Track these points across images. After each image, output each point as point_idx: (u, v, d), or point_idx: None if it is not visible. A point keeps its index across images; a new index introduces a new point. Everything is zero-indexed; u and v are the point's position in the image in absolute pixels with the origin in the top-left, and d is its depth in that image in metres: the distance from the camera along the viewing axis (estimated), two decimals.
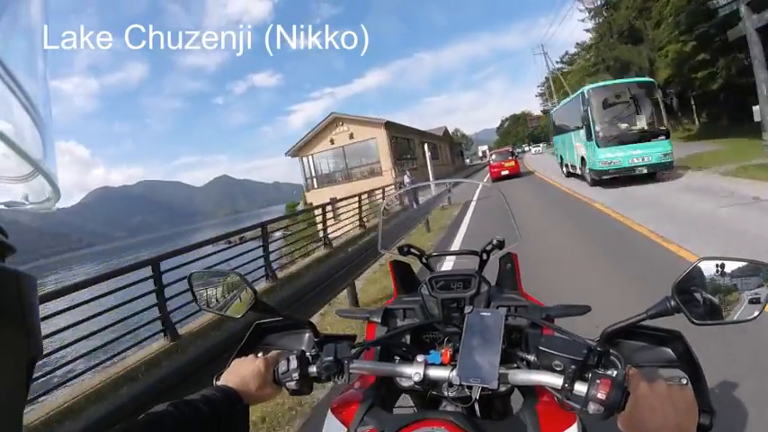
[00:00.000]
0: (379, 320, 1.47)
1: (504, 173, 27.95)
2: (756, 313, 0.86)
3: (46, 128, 0.45)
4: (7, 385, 0.41)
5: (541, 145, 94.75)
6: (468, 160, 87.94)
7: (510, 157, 29.02)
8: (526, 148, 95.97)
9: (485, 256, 1.59)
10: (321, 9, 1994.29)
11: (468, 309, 1.19)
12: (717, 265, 0.88)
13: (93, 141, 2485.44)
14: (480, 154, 40.20)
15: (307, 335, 1.36)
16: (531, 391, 1.11)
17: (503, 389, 1.08)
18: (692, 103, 34.38)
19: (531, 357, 1.06)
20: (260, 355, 1.18)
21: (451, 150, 61.95)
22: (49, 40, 0.49)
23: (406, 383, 1.23)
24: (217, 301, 1.24)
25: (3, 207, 0.45)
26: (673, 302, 0.88)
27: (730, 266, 0.87)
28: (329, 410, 1.19)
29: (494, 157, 30.51)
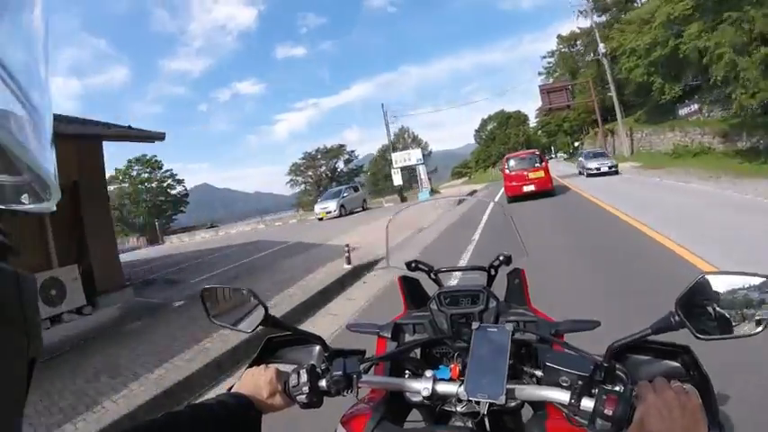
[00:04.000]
0: (389, 335, 1.47)
1: (528, 188, 18.75)
2: (761, 328, 0.88)
3: (46, 128, 0.46)
4: (8, 385, 0.41)
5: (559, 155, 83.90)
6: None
7: (537, 164, 19.17)
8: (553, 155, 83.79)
9: (493, 272, 1.62)
10: (307, 19, 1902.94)
11: (475, 324, 1.20)
12: (720, 280, 0.91)
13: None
14: (423, 180, 33.30)
15: (317, 349, 1.35)
16: (540, 407, 1.11)
17: (511, 404, 1.06)
18: None
19: (539, 373, 1.08)
20: (271, 366, 1.19)
21: None
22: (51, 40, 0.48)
23: (415, 398, 1.22)
24: (228, 315, 1.27)
25: (2, 207, 0.45)
26: (677, 318, 0.91)
27: (733, 281, 0.90)
28: (339, 424, 1.20)
29: (511, 163, 20.17)
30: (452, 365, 1.17)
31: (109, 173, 56.94)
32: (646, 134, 38.07)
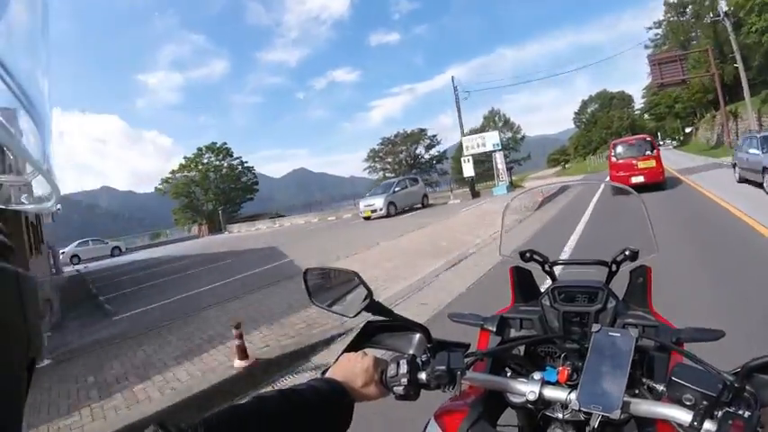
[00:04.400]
0: (494, 329, 1.41)
1: (637, 179, 16.30)
2: None
3: (46, 128, 0.46)
4: (8, 386, 0.41)
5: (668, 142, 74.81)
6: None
7: (648, 152, 16.96)
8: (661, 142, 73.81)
9: (614, 268, 1.48)
10: (400, 4, 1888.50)
11: (595, 327, 1.12)
12: None
13: (175, 132, 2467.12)
14: (500, 170, 29.04)
15: (417, 338, 1.26)
16: (650, 424, 1.02)
17: (622, 418, 0.97)
18: None
19: (659, 387, 1.01)
20: (369, 354, 1.16)
21: None
22: (49, 38, 0.49)
23: (517, 400, 1.14)
24: (331, 298, 1.26)
25: (2, 207, 0.46)
26: None
27: None
28: (432, 418, 1.19)
29: (618, 150, 17.86)
30: (561, 368, 1.09)
31: (180, 161, 56.08)
32: None
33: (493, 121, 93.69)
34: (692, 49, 43.10)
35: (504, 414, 1.24)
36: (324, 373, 1.13)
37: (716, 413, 0.86)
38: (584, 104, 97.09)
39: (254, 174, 64.18)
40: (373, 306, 1.16)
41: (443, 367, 1.08)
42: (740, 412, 0.84)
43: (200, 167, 58.63)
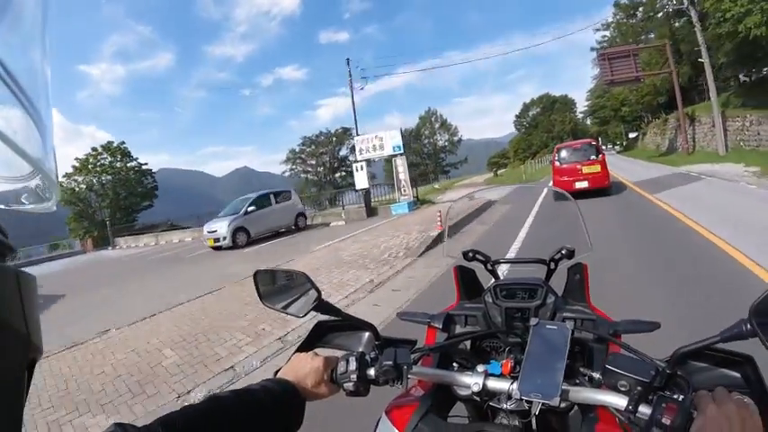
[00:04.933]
0: (440, 326, 1.46)
1: (581, 185, 15.61)
2: None
3: (46, 128, 0.46)
4: (8, 386, 0.42)
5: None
6: None
7: (593, 157, 16.05)
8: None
9: (552, 266, 1.54)
10: (351, 3, 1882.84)
11: (533, 320, 1.17)
12: None
13: (115, 127, 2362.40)
14: (402, 182, 21.88)
15: (366, 336, 1.31)
16: (591, 410, 1.08)
17: (561, 405, 1.02)
18: None
19: (596, 375, 1.07)
20: (319, 353, 1.20)
21: None
22: (50, 37, 0.48)
23: (463, 392, 1.21)
24: (280, 298, 1.26)
25: (3, 207, 0.46)
26: (749, 326, 0.86)
27: None
28: (383, 413, 1.20)
29: (563, 154, 16.94)
30: (504, 361, 1.12)
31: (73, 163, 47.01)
32: (751, 122, 25.06)
33: (429, 121, 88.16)
34: (643, 51, 37.24)
35: (455, 407, 1.28)
36: (276, 373, 1.15)
37: (651, 398, 0.89)
38: (526, 108, 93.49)
39: (153, 178, 56.81)
40: (322, 306, 1.18)
41: (390, 363, 1.10)
42: (675, 396, 0.88)
43: (97, 169, 51.08)
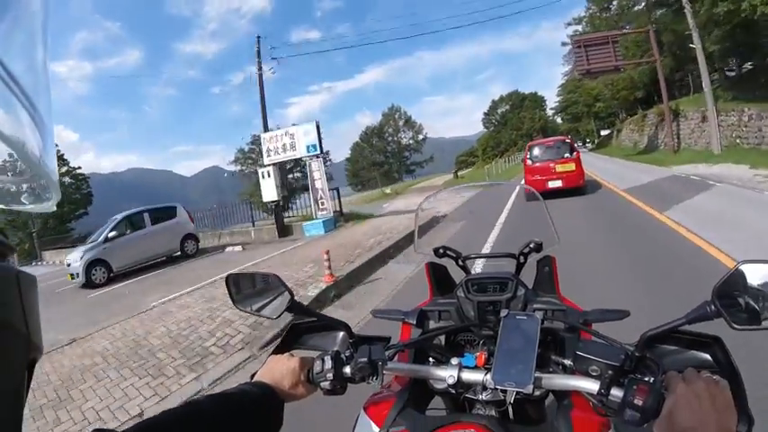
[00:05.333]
0: (414, 322, 1.47)
1: (554, 184, 14.65)
2: None
3: (46, 128, 0.46)
4: (8, 386, 0.42)
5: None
6: None
7: (567, 155, 15.20)
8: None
9: (522, 259, 1.58)
10: (323, 2, 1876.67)
11: (503, 312, 1.18)
12: (757, 269, 0.90)
13: (83, 126, 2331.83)
14: (320, 192, 16.66)
15: (341, 335, 1.32)
16: (565, 397, 1.10)
17: (537, 393, 1.04)
18: None
19: (568, 362, 1.09)
20: (295, 354, 1.21)
21: None
22: (49, 32, 0.48)
23: (439, 386, 1.21)
24: (253, 301, 1.27)
25: (2, 207, 0.46)
26: (713, 307, 0.90)
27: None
28: (362, 410, 1.22)
29: (535, 152, 16.02)
30: (478, 353, 1.15)
31: None
32: (750, 117, 21.29)
33: (393, 118, 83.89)
34: (619, 44, 33.06)
35: (433, 401, 1.29)
36: (252, 377, 1.14)
37: (622, 381, 0.91)
38: (495, 105, 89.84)
39: (87, 184, 52.01)
40: (295, 306, 1.19)
41: (365, 359, 1.11)
42: (646, 378, 0.90)
43: None
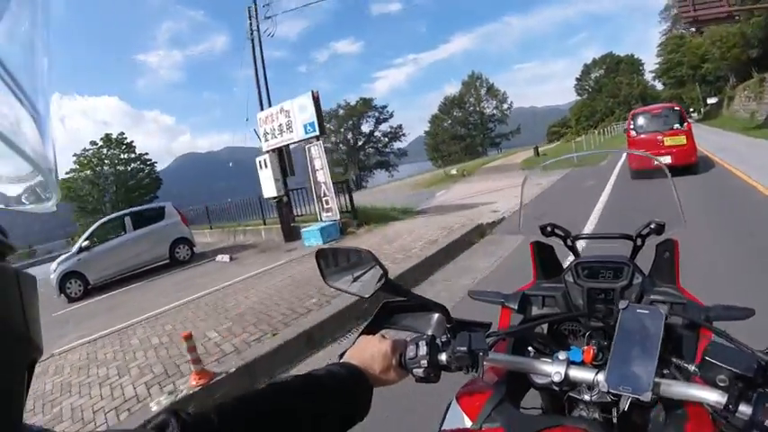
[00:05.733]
0: (516, 307, 1.37)
1: (663, 160, 10.70)
2: None
3: (46, 127, 0.45)
4: (7, 386, 0.41)
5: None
6: None
7: (677, 126, 12.69)
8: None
9: (639, 242, 1.39)
10: None
11: (622, 303, 1.06)
12: None
13: (177, 110, 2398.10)
14: (323, 186, 12.44)
15: (436, 318, 1.22)
16: (678, 406, 0.98)
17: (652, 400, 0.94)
18: None
19: (691, 367, 0.96)
20: (387, 335, 1.16)
21: None
22: (50, 31, 0.47)
23: (540, 380, 1.12)
24: (344, 278, 1.22)
25: (2, 207, 0.45)
26: None
27: None
28: (454, 399, 1.16)
29: (639, 122, 13.45)
30: (585, 348, 1.06)
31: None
32: None
33: (474, 87, 78.93)
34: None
35: (527, 393, 1.22)
36: (341, 356, 1.10)
37: (750, 395, 0.81)
38: (587, 69, 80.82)
39: (154, 170, 54.04)
40: (389, 286, 1.11)
41: (464, 348, 1.03)
42: None
43: (103, 162, 48.61)
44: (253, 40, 16.04)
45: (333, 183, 12.18)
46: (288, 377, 0.90)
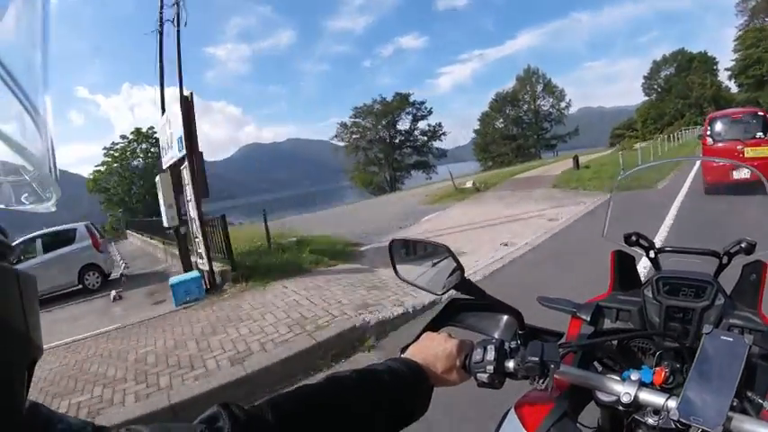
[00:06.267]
0: (588, 318, 1.30)
1: (740, 174, 9.82)
2: None
3: (45, 127, 0.46)
4: (8, 386, 0.42)
5: None
6: None
7: (760, 134, 11.14)
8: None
9: (725, 260, 1.30)
10: None
11: (707, 328, 1.02)
12: None
13: (244, 102, 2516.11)
14: (189, 211, 9.77)
15: (505, 321, 1.21)
16: None
17: None
18: None
19: (765, 402, 0.94)
20: (452, 334, 1.12)
21: None
22: (49, 30, 0.47)
23: (606, 399, 1.04)
24: (418, 272, 1.20)
25: (2, 207, 0.46)
26: None
27: None
28: (512, 409, 1.15)
29: (717, 128, 12.02)
30: (657, 369, 1.02)
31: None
32: None
33: (530, 82, 74.10)
34: None
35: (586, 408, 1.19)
36: (403, 350, 1.09)
37: None
38: (657, 67, 73.48)
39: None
40: (464, 285, 1.07)
41: (536, 359, 1.00)
42: None
43: (133, 155, 48.61)
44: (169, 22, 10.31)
45: (201, 219, 9.04)
46: (346, 372, 0.88)
